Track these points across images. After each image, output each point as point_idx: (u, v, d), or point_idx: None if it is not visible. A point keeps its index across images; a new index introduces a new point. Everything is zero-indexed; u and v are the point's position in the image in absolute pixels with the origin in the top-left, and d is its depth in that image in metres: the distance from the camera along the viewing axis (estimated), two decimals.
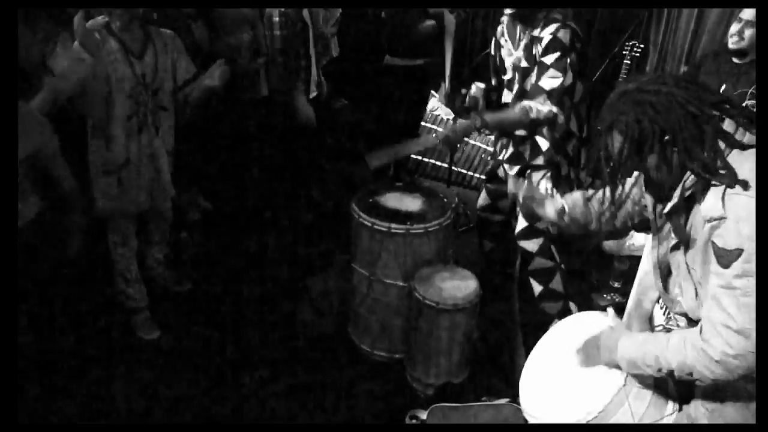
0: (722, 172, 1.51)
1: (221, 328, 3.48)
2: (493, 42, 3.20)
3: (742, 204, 1.48)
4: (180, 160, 3.38)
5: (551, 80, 2.78)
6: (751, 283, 1.48)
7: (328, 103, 4.78)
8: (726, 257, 1.50)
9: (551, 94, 2.79)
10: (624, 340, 1.79)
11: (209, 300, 3.68)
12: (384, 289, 3.17)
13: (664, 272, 1.82)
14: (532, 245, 3.13)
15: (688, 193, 1.59)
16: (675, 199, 1.63)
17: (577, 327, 2.07)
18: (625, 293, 2.05)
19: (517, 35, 2.97)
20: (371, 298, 3.22)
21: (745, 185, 1.49)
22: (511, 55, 3.02)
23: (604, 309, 2.02)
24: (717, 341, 1.53)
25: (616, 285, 3.70)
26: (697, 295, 1.68)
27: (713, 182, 1.53)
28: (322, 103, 4.59)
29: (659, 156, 1.58)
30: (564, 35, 2.78)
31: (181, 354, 3.29)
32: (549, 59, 2.78)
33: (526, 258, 3.19)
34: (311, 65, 4.01)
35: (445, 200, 3.28)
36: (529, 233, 3.12)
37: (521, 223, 3.13)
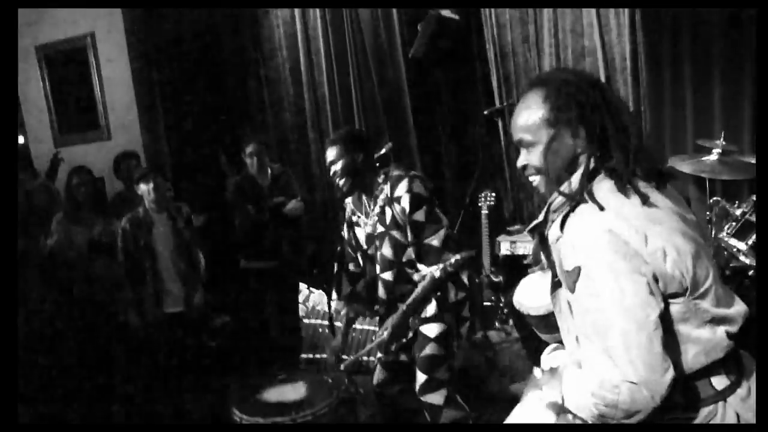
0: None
1: None
2: (345, 226, 3.18)
3: (577, 222, 1.45)
4: None
5: (438, 235, 2.77)
6: (598, 302, 1.38)
7: (204, 322, 4.59)
8: (569, 279, 1.42)
9: (447, 245, 2.77)
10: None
11: None
12: None
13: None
14: (437, 398, 2.89)
15: (554, 216, 1.55)
16: (539, 218, 1.58)
17: None
18: None
19: (364, 207, 3.00)
20: None
21: (592, 207, 1.46)
22: (366, 227, 3.02)
23: None
24: (589, 374, 1.42)
25: None
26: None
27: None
28: (197, 321, 4.39)
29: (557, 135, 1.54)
30: (419, 188, 2.80)
31: None
32: (419, 216, 2.78)
33: (433, 414, 2.92)
34: (162, 277, 3.92)
35: (330, 381, 3.10)
36: (430, 386, 2.89)
37: (420, 378, 2.92)
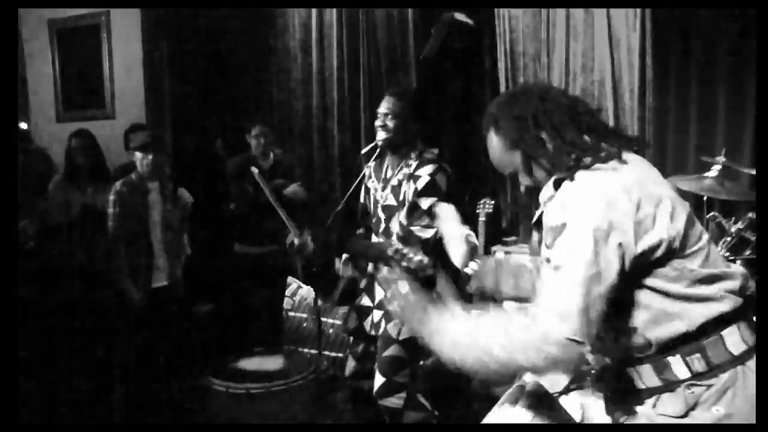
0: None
1: None
2: (363, 190, 3.10)
3: (572, 185, 1.48)
4: None
5: (427, 230, 2.67)
6: (574, 261, 1.39)
7: (186, 309, 4.50)
8: (551, 234, 1.44)
9: (426, 245, 2.66)
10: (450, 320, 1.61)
11: None
12: None
13: None
14: (396, 401, 2.77)
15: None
16: (541, 208, 1.62)
17: None
18: None
19: (384, 175, 2.92)
20: None
21: (589, 173, 1.50)
22: (377, 193, 2.94)
23: None
24: (538, 325, 1.40)
25: None
26: None
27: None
28: (181, 306, 4.30)
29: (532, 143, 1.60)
30: (441, 180, 2.72)
31: None
32: (425, 204, 2.69)
33: (394, 417, 2.79)
34: (153, 256, 3.85)
35: (309, 355, 3.05)
36: (389, 389, 2.78)
37: (379, 380, 2.78)
